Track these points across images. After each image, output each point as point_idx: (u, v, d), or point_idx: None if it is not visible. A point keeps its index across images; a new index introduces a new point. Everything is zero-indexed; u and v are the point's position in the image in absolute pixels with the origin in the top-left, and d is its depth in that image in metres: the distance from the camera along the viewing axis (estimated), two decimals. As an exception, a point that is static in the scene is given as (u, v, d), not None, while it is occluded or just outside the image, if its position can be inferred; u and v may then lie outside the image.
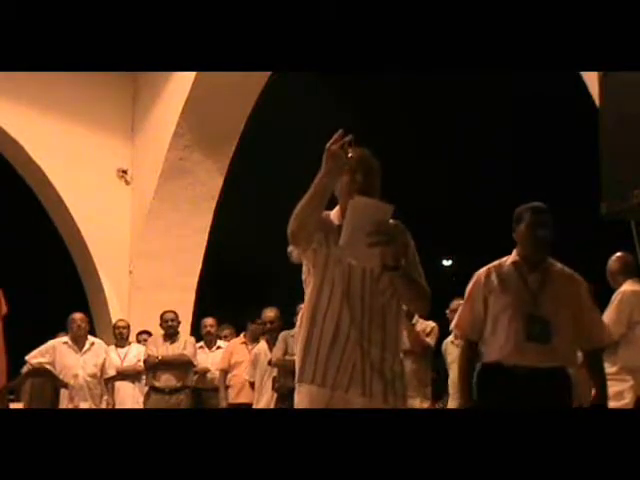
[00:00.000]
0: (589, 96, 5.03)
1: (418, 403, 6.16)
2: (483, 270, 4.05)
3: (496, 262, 4.06)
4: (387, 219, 2.92)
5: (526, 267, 3.95)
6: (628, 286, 5.24)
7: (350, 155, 2.90)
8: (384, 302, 3.04)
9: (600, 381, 3.96)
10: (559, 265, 4.00)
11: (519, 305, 3.88)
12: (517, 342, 3.84)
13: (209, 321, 8.57)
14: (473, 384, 4.04)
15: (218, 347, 8.46)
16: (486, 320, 3.96)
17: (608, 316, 5.15)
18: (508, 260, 4.02)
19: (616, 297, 5.24)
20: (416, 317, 6.32)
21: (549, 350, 3.80)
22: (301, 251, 3.15)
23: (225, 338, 8.73)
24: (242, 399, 7.74)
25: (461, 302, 4.21)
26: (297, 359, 3.13)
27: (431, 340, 6.44)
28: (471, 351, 4.07)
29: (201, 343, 8.47)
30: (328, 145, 2.87)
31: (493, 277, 4.00)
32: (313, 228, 3.00)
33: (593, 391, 4.03)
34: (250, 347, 7.84)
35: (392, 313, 3.07)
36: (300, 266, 3.32)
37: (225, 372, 8.01)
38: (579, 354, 4.06)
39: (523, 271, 3.95)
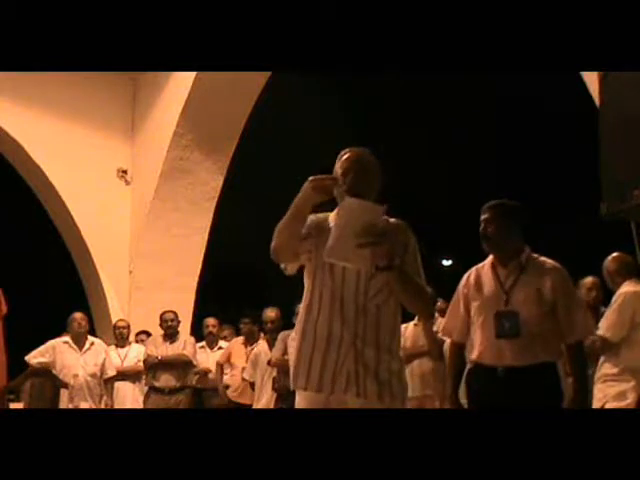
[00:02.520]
0: (589, 96, 5.02)
1: (438, 403, 6.13)
2: (468, 272, 4.06)
3: (481, 263, 4.06)
4: (378, 220, 2.89)
5: (499, 265, 3.95)
6: (629, 287, 5.22)
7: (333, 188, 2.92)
8: (379, 302, 3.01)
9: (577, 377, 3.86)
10: (538, 257, 3.94)
11: (490, 304, 3.88)
12: (489, 341, 3.84)
13: (211, 321, 8.57)
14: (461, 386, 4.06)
15: (220, 347, 8.46)
16: (470, 321, 3.98)
17: (610, 318, 5.14)
18: (487, 260, 4.02)
19: (617, 299, 5.22)
20: (436, 315, 6.35)
21: (523, 347, 3.76)
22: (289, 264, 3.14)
23: (225, 339, 8.74)
24: (243, 400, 7.74)
25: (443, 303, 4.24)
26: (291, 364, 3.12)
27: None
28: (456, 353, 4.08)
29: (203, 343, 8.47)
30: (313, 178, 2.92)
31: (472, 278, 4.01)
32: (295, 246, 3.04)
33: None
34: (248, 349, 7.85)
35: (389, 313, 3.03)
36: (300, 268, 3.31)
37: (221, 366, 8.04)
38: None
39: (497, 269, 3.95)
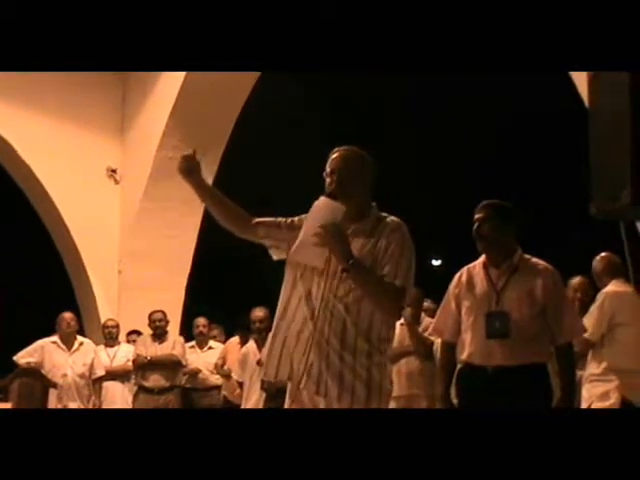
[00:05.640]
0: (579, 96, 5.03)
1: (425, 403, 6.12)
2: (459, 272, 4.06)
3: (473, 263, 4.06)
4: (337, 219, 2.95)
5: (491, 265, 3.94)
6: (612, 287, 5.25)
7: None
8: (348, 302, 2.98)
9: (565, 379, 3.87)
10: (530, 259, 3.95)
11: (481, 304, 3.88)
12: (479, 341, 3.84)
13: (201, 321, 8.54)
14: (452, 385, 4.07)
15: (210, 347, 8.45)
16: (461, 321, 3.98)
17: (589, 317, 5.16)
18: (479, 260, 4.02)
19: (599, 298, 5.25)
20: (422, 315, 6.36)
21: (513, 347, 3.77)
22: (260, 239, 3.26)
23: (214, 338, 8.72)
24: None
25: (431, 303, 4.25)
26: (263, 357, 3.18)
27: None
28: (447, 353, 4.09)
29: (192, 343, 8.45)
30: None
31: (463, 278, 4.00)
32: (234, 225, 3.35)
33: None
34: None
35: (362, 313, 2.99)
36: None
37: (220, 366, 8.02)
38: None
39: (489, 269, 3.94)
